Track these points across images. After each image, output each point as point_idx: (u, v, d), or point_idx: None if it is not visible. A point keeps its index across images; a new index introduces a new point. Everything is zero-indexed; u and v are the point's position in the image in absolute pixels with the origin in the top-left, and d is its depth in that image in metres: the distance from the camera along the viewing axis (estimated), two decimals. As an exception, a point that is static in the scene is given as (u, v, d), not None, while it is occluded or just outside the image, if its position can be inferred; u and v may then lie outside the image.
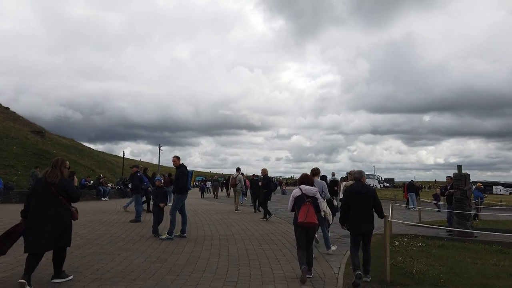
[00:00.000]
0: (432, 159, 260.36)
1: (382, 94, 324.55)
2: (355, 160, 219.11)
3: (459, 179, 11.68)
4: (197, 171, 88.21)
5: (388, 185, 76.36)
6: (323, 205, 6.20)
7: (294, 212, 5.82)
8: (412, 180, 26.37)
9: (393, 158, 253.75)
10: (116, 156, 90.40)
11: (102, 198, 22.57)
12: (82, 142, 61.93)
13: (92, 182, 23.60)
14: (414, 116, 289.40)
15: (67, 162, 5.30)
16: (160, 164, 78.89)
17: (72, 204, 5.23)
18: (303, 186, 5.74)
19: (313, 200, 5.63)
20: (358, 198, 5.75)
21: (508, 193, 56.04)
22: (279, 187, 43.10)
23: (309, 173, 7.31)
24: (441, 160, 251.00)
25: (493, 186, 58.24)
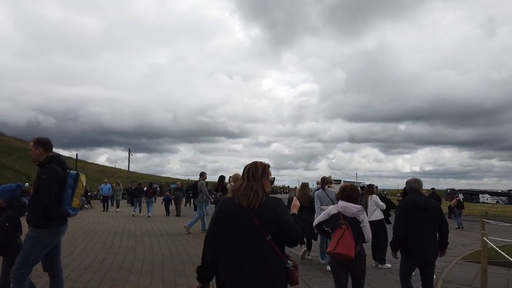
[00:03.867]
0: (409, 167, 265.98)
1: (358, 103, 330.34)
2: (334, 168, 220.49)
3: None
4: (177, 179, 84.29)
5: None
6: (368, 231, 4.38)
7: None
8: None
9: (371, 166, 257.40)
10: (87, 162, 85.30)
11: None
12: (55, 149, 57.04)
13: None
14: (389, 125, 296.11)
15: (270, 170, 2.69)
16: (130, 170, 74.37)
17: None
18: (341, 203, 4.32)
19: (353, 222, 4.16)
20: (421, 215, 4.60)
21: (494, 201, 54.95)
22: None
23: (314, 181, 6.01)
24: (417, 168, 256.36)
25: (480, 195, 57.06)
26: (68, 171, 3.99)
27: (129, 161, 73.60)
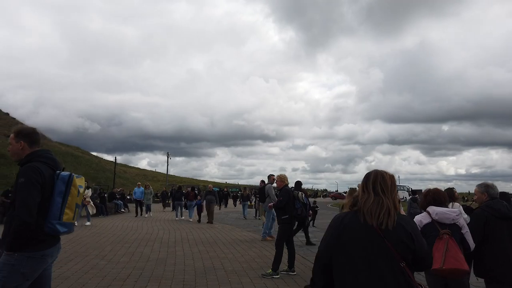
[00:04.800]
0: (453, 169, 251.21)
1: (397, 103, 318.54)
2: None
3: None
4: (215, 182, 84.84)
5: (417, 196, 70.27)
6: (470, 237, 3.65)
7: None
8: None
9: (412, 168, 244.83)
10: (128, 166, 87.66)
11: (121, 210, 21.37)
12: (99, 153, 59.25)
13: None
14: (432, 125, 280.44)
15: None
16: (169, 174, 75.35)
17: None
18: (433, 209, 3.66)
19: (453, 229, 3.56)
20: (505, 226, 3.86)
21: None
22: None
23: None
24: (462, 171, 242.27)
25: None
26: (58, 172, 2.92)
27: (167, 165, 74.73)
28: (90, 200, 14.31)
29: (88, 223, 13.79)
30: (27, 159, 2.85)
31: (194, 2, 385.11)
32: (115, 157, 51.12)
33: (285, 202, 6.54)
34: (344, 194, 77.19)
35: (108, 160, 77.63)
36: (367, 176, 2.20)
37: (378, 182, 2.14)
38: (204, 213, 16.67)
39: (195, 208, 17.24)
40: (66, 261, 7.14)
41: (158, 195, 37.04)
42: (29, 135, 2.95)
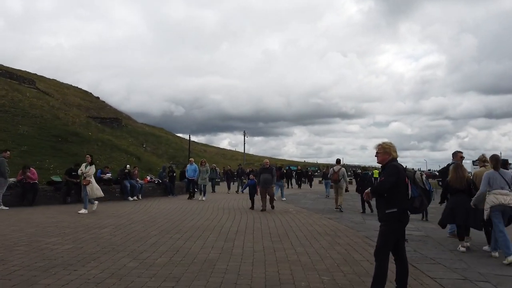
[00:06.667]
0: None
1: (495, 72, 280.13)
2: (466, 148, 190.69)
3: None
4: (293, 161, 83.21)
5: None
6: None
7: None
8: None
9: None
10: (208, 145, 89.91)
11: (130, 198, 15.24)
12: (185, 135, 61.27)
13: (110, 174, 15.41)
14: None
15: None
16: (249, 153, 75.19)
17: None
18: None
19: None
20: None
21: None
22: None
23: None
24: None
25: None
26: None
27: (244, 143, 74.81)
28: (92, 180, 10.85)
29: (83, 211, 10.49)
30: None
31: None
32: (189, 135, 51.39)
33: (389, 185, 4.00)
34: (437, 173, 69.54)
35: (192, 141, 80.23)
36: None
37: None
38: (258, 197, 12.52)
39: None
40: (89, 260, 5.48)
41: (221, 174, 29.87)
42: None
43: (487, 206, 6.03)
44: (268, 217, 10.65)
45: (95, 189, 10.86)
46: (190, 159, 17.95)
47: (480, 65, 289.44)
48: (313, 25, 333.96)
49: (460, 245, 6.62)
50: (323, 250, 6.45)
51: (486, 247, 6.63)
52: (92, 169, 10.94)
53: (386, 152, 4.20)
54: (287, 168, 36.22)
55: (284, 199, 16.90)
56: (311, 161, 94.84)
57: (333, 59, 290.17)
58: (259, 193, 12.36)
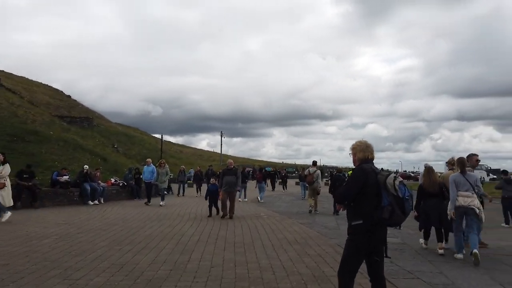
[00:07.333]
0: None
1: (468, 76, 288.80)
2: (439, 149, 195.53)
3: None
4: (272, 162, 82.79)
5: (495, 177, 61.43)
6: None
7: None
8: None
9: (485, 146, 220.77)
10: (185, 146, 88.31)
11: (90, 202, 13.89)
12: (163, 135, 59.55)
13: (67, 177, 14.03)
14: (508, 99, 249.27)
15: None
16: (227, 154, 74.18)
17: None
18: None
19: None
20: None
21: None
22: None
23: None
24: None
25: None
26: None
27: (221, 144, 73.40)
28: (7, 183, 9.22)
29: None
30: None
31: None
32: (161, 135, 49.87)
33: (348, 192, 3.35)
34: (412, 174, 70.41)
35: (170, 142, 78.33)
36: None
37: None
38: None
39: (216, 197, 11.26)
40: (8, 281, 4.55)
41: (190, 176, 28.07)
42: None
43: (450, 207, 6.32)
44: (236, 223, 9.86)
45: (10, 195, 9.28)
46: (147, 159, 16.12)
47: (454, 70, 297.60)
48: (293, 26, 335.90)
49: (437, 248, 6.61)
50: (291, 263, 5.73)
51: (459, 255, 6.31)
52: (6, 169, 9.11)
53: (353, 153, 3.53)
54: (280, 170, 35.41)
55: (262, 201, 16.95)
56: (289, 162, 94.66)
57: (312, 61, 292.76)
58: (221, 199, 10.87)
